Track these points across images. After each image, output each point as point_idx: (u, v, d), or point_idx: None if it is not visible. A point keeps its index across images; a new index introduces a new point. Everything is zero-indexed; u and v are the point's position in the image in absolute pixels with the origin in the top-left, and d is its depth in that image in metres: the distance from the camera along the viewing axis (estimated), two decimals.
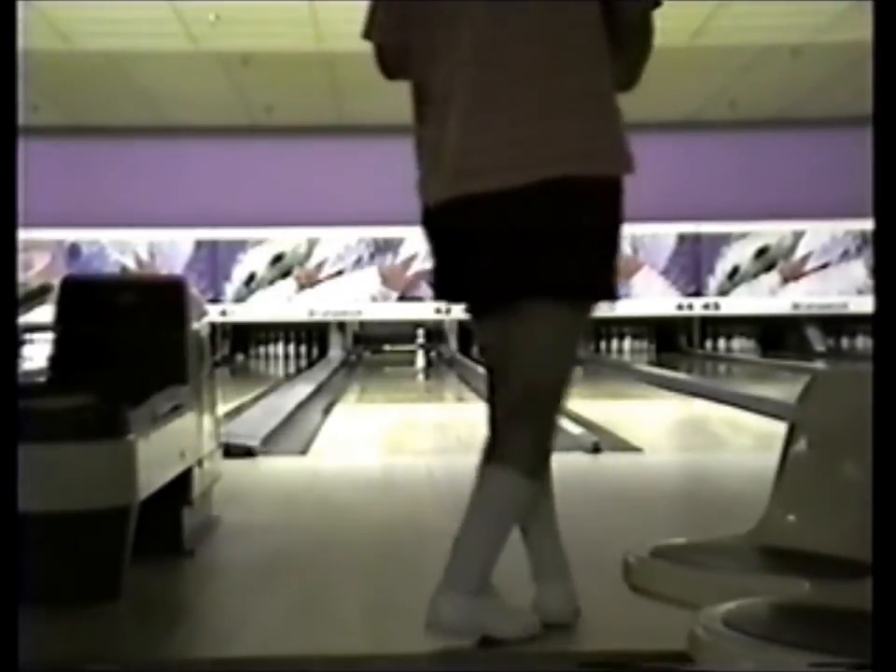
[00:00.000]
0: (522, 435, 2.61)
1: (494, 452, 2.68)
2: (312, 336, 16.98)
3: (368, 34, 2.80)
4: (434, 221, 2.62)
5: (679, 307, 16.51)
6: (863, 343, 16.17)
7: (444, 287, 2.68)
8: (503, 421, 2.65)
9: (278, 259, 16.56)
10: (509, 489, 2.63)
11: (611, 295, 2.57)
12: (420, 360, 16.91)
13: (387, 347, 17.16)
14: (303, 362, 16.25)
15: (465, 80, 2.53)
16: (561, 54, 2.51)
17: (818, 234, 16.61)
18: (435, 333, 17.14)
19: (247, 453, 5.88)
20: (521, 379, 2.59)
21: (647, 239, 16.23)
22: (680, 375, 13.29)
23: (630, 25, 2.59)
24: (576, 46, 2.53)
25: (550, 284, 2.53)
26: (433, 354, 16.92)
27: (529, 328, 2.56)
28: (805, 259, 16.61)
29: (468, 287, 2.63)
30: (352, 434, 8.08)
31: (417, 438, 8.07)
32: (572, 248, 2.53)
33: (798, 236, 16.58)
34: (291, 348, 16.98)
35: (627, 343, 16.76)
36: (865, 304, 14.97)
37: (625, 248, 13.31)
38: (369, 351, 17.04)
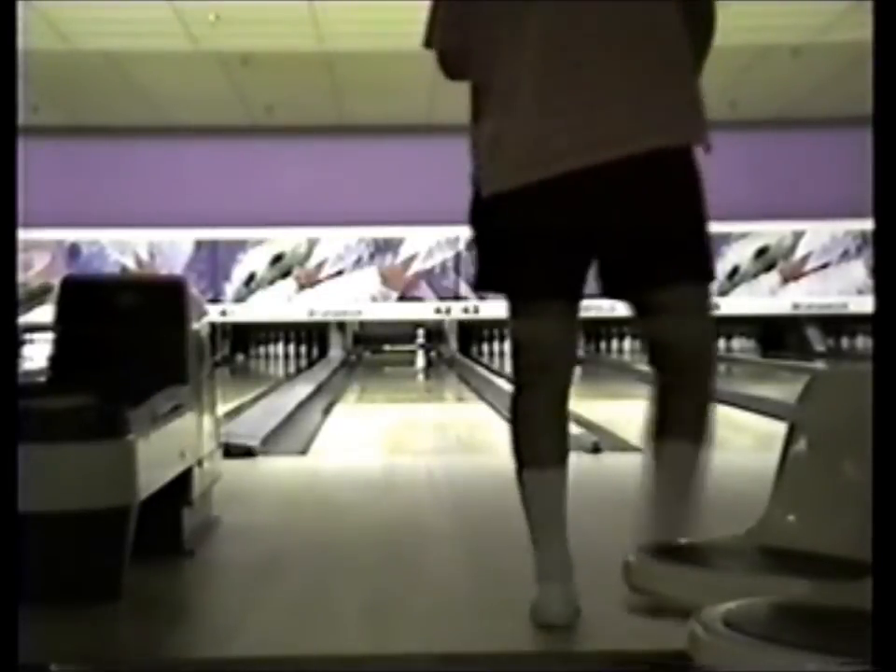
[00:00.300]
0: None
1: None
2: (312, 336, 16.97)
3: (428, 41, 2.81)
4: (526, 204, 2.56)
5: None
6: (863, 342, 16.17)
7: (520, 272, 2.62)
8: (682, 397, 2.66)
9: (278, 258, 16.56)
10: (701, 464, 2.65)
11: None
12: (420, 360, 16.91)
13: (387, 347, 17.16)
14: (303, 362, 16.25)
15: (536, 69, 2.53)
16: (636, 31, 2.55)
17: (818, 234, 16.61)
18: (435, 333, 17.14)
19: (247, 453, 5.88)
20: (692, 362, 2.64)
21: None
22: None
23: (706, 15, 2.67)
24: (651, 25, 2.56)
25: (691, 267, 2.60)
26: (433, 354, 16.91)
27: (676, 312, 2.60)
28: (804, 259, 16.61)
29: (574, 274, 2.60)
30: (352, 434, 8.08)
31: (417, 438, 8.07)
32: (693, 224, 2.61)
33: (798, 236, 16.58)
34: (291, 348, 16.98)
35: (627, 343, 16.76)
36: (865, 304, 14.97)
37: None
38: (369, 351, 17.03)
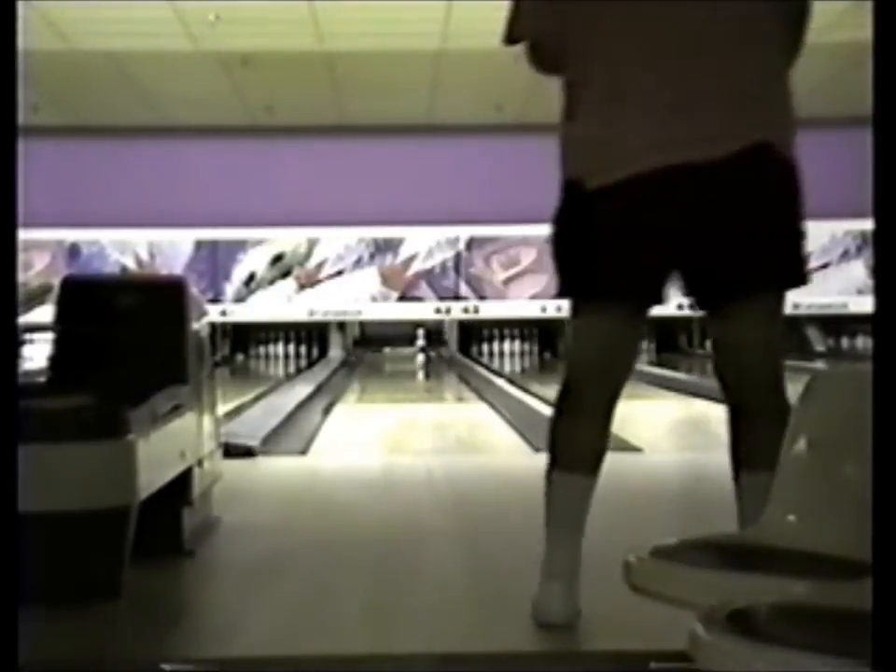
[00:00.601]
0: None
1: None
2: (312, 336, 16.97)
3: (511, 35, 2.75)
4: (622, 199, 2.52)
5: (680, 307, 16.50)
6: (863, 342, 16.18)
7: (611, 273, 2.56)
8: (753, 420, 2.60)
9: (278, 258, 16.56)
10: None
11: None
12: (420, 359, 16.90)
13: (387, 350, 17.15)
14: (303, 362, 16.25)
15: (647, 64, 2.52)
16: (739, 30, 2.54)
17: (818, 234, 16.61)
18: (435, 334, 17.13)
19: (247, 453, 5.88)
20: (767, 379, 2.59)
21: None
22: (680, 375, 13.29)
23: (803, 17, 2.69)
24: (752, 25, 2.55)
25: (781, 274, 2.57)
26: (433, 354, 16.88)
27: (758, 322, 2.56)
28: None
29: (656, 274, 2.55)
30: (352, 434, 8.08)
31: (417, 438, 8.07)
32: (790, 226, 2.57)
33: None
34: (291, 348, 16.98)
35: None
36: (865, 304, 14.96)
37: None
38: (369, 351, 17.03)
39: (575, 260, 2.63)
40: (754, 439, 2.62)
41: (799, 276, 2.61)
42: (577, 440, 2.68)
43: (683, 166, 2.49)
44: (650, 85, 2.52)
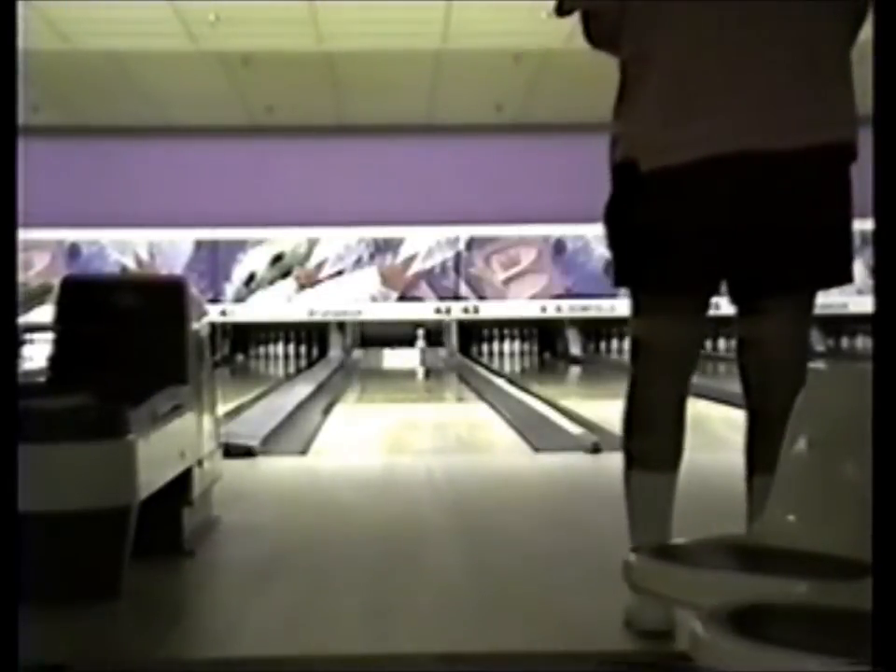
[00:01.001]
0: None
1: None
2: (312, 336, 16.97)
3: (563, 6, 2.64)
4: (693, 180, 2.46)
5: None
6: (863, 343, 16.18)
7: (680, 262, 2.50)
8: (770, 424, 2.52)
9: (278, 258, 16.56)
10: None
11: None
12: (420, 344, 16.90)
13: (387, 351, 17.15)
14: (303, 362, 16.25)
15: (716, 60, 2.45)
16: (813, 36, 2.49)
17: None
18: (435, 333, 17.13)
19: (247, 453, 5.88)
20: (792, 383, 2.48)
21: None
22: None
23: (862, 18, 2.59)
24: (827, 28, 2.51)
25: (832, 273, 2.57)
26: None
27: (794, 321, 2.57)
28: None
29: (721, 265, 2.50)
30: (352, 434, 8.08)
31: (417, 438, 8.06)
32: (841, 226, 2.53)
33: None
34: (291, 348, 16.97)
35: (627, 343, 16.73)
36: (865, 304, 14.96)
37: None
38: (369, 352, 17.02)
39: (629, 249, 2.58)
40: (771, 442, 2.59)
41: (847, 274, 2.60)
42: (652, 438, 2.64)
43: (749, 155, 2.44)
44: (715, 67, 2.45)
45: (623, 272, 2.61)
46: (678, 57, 2.48)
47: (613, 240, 2.61)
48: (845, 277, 2.60)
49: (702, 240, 2.49)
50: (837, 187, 2.52)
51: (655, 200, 2.50)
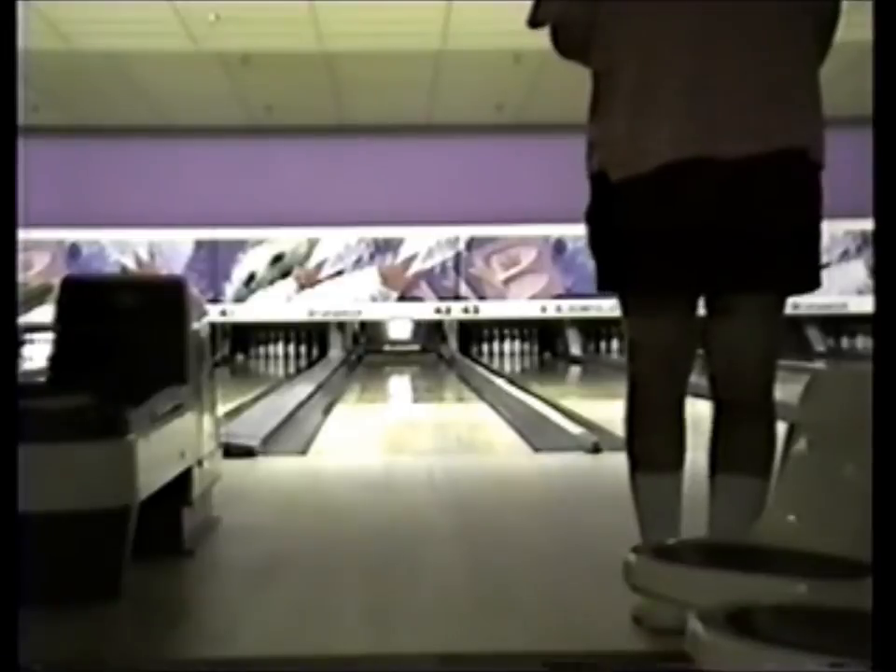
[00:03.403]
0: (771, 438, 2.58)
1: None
2: (312, 336, 16.98)
3: (535, 17, 2.70)
4: (657, 188, 2.51)
5: None
6: (863, 343, 16.18)
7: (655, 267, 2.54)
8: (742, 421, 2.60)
9: (278, 259, 16.56)
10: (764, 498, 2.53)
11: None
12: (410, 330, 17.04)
13: (387, 348, 17.16)
14: (303, 362, 16.25)
15: (683, 64, 2.50)
16: (773, 44, 2.54)
17: None
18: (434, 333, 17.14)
19: (247, 453, 5.88)
20: (759, 379, 2.59)
21: None
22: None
23: (835, 19, 2.67)
24: (789, 31, 2.56)
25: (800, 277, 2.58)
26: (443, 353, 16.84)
27: (763, 323, 2.57)
28: None
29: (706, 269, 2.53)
30: (352, 434, 8.08)
31: (417, 438, 8.06)
32: (808, 230, 2.57)
33: None
34: (291, 348, 16.98)
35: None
36: (865, 304, 14.96)
37: None
38: (370, 352, 17.03)
39: (608, 255, 2.62)
40: (736, 440, 2.62)
41: (814, 280, 2.61)
42: (654, 438, 2.66)
43: (711, 160, 2.48)
44: (680, 78, 2.50)
45: (603, 276, 2.66)
46: (640, 69, 2.53)
47: (594, 246, 2.66)
48: (811, 283, 2.61)
49: (672, 243, 2.53)
50: (797, 192, 2.55)
51: (626, 208, 2.56)
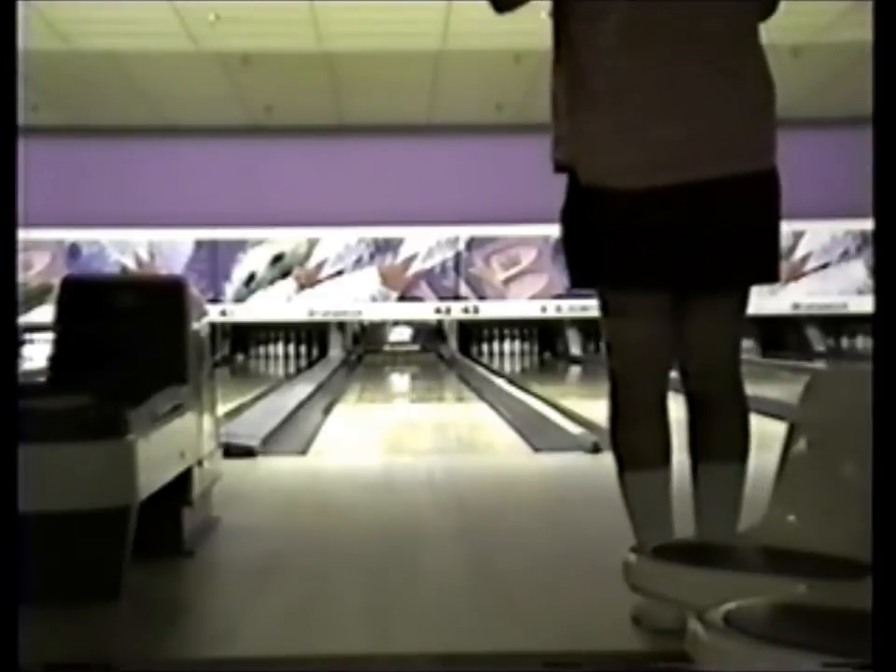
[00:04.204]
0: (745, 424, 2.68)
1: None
2: (312, 336, 16.97)
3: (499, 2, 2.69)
4: (635, 204, 2.56)
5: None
6: (863, 343, 16.17)
7: (624, 267, 2.61)
8: (717, 415, 2.69)
9: (278, 259, 16.56)
10: (744, 481, 2.65)
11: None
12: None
13: (387, 348, 17.17)
14: (303, 362, 16.25)
15: (640, 74, 2.55)
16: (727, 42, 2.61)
17: (818, 234, 16.59)
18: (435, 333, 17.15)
19: (247, 453, 5.87)
20: (729, 371, 2.69)
21: None
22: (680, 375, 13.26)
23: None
24: (738, 35, 2.65)
25: (765, 272, 2.66)
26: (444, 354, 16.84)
27: (729, 318, 2.67)
28: (805, 258, 16.60)
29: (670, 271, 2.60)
30: (352, 434, 8.08)
31: (417, 438, 8.06)
32: (773, 238, 2.67)
33: (798, 236, 16.55)
34: (291, 348, 16.98)
35: None
36: (865, 304, 14.97)
37: None
38: (370, 352, 17.04)
39: (575, 249, 2.67)
40: (714, 430, 2.69)
41: (775, 274, 2.69)
42: (638, 436, 2.68)
43: (678, 185, 2.55)
44: (649, 96, 2.55)
45: (576, 272, 2.70)
46: (614, 81, 2.56)
47: (566, 241, 2.71)
48: (774, 276, 2.70)
49: (646, 241, 2.58)
50: (768, 205, 2.64)
51: (593, 209, 2.60)
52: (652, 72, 2.55)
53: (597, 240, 2.61)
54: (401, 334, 17.08)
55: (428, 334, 17.08)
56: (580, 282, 2.69)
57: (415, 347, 17.02)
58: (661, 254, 2.59)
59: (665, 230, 2.57)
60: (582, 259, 2.66)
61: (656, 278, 2.61)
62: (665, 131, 2.53)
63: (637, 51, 2.55)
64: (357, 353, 16.87)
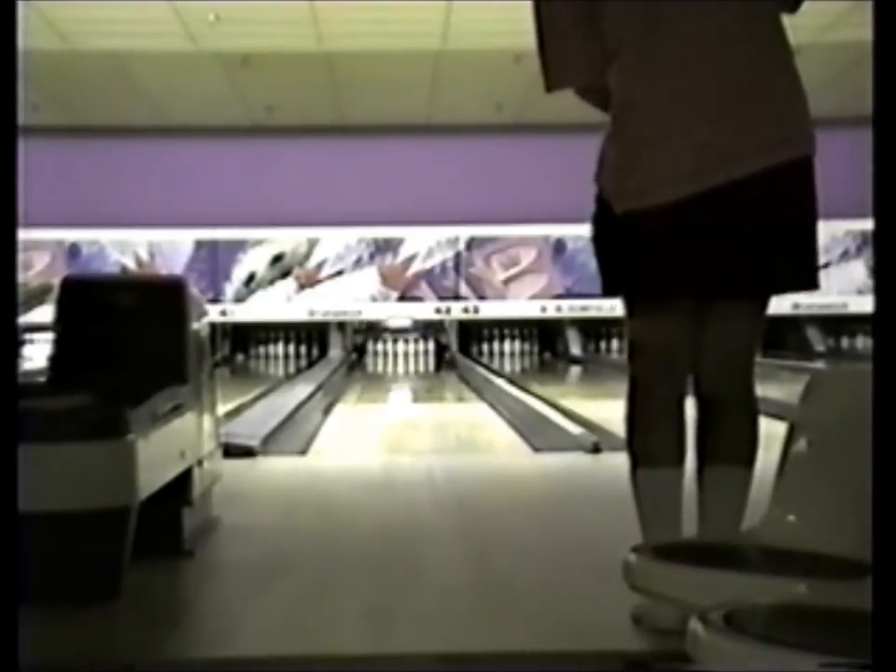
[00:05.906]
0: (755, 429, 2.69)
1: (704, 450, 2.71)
2: (312, 336, 16.97)
3: (550, 84, 2.74)
4: (664, 218, 2.57)
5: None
6: (863, 343, 16.17)
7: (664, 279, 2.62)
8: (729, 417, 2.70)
9: (278, 259, 16.56)
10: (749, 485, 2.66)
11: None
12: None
13: (388, 335, 17.16)
14: (303, 362, 16.25)
15: (672, 95, 2.56)
16: (752, 45, 2.59)
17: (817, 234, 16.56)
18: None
19: (247, 453, 5.87)
20: (744, 375, 2.70)
21: None
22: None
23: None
24: (762, 38, 2.61)
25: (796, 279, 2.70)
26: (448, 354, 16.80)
27: (750, 323, 2.70)
28: None
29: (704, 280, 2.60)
30: (352, 434, 8.08)
31: (417, 438, 8.07)
32: (807, 237, 2.70)
33: None
34: (291, 348, 16.97)
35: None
36: (865, 304, 14.96)
37: None
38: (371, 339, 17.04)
39: (611, 264, 2.69)
40: (724, 434, 2.69)
41: (814, 281, 2.73)
42: (655, 437, 2.69)
43: (709, 192, 2.54)
44: (674, 107, 2.56)
45: (609, 282, 2.72)
46: (648, 108, 2.58)
47: (599, 252, 2.72)
48: (812, 284, 2.73)
49: (679, 249, 2.59)
50: (801, 199, 2.68)
51: (630, 235, 2.62)
52: (665, 81, 2.56)
53: (629, 256, 2.63)
54: (402, 321, 17.03)
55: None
56: (612, 292, 2.71)
57: (415, 335, 16.97)
58: (693, 263, 2.59)
59: (697, 239, 2.57)
60: (615, 271, 2.68)
61: (688, 288, 2.63)
62: (690, 138, 2.54)
63: (650, 63, 2.57)
64: (357, 342, 16.81)
